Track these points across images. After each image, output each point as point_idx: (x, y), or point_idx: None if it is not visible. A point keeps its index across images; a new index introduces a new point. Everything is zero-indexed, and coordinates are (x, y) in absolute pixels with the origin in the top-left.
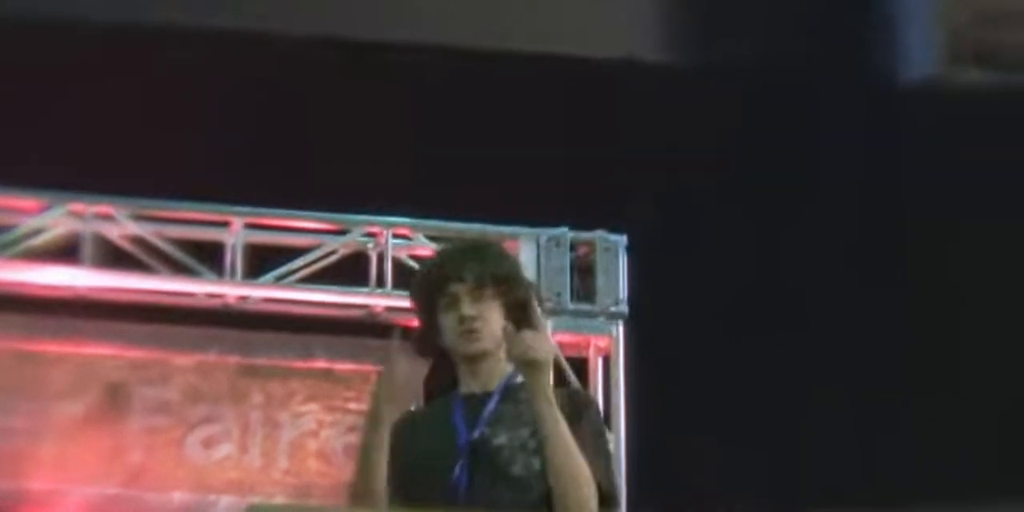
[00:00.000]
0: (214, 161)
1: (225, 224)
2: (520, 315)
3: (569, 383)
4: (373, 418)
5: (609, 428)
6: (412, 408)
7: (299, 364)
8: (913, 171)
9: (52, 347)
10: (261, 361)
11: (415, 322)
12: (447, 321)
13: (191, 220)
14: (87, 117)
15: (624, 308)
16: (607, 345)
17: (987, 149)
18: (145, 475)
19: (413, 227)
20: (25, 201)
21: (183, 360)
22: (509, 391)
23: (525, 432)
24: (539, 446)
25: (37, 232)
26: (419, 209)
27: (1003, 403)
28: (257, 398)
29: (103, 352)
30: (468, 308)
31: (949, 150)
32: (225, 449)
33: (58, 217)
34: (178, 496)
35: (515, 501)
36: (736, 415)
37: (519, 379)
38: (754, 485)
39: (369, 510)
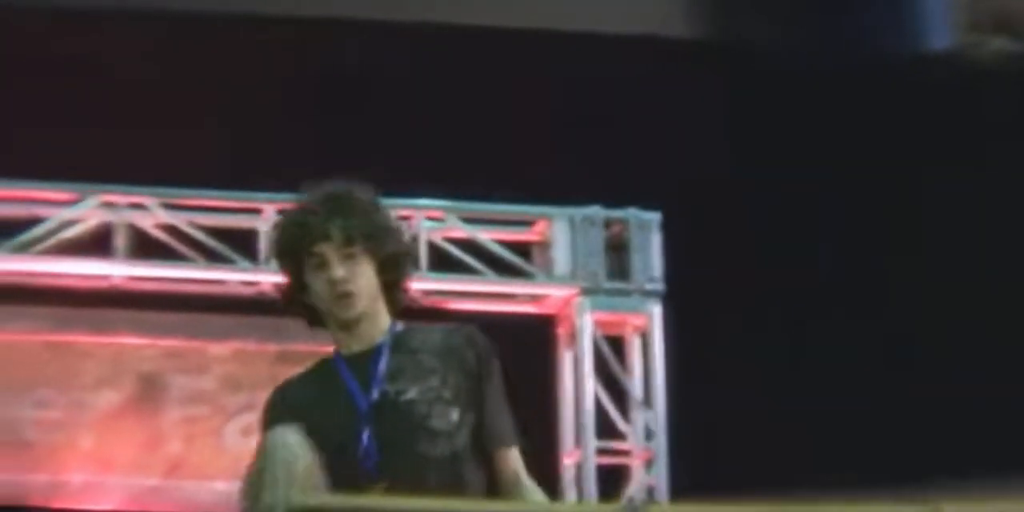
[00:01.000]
0: (233, 152)
1: (257, 211)
2: (394, 270)
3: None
4: None
5: (649, 406)
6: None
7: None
8: (935, 142)
9: (85, 338)
10: (297, 347)
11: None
12: (317, 284)
13: (224, 208)
14: (103, 109)
15: (659, 286)
16: (644, 323)
17: (1009, 119)
18: (184, 465)
19: (446, 209)
20: (56, 193)
21: (219, 349)
22: (398, 341)
23: (434, 381)
24: (455, 396)
25: (69, 224)
26: (453, 192)
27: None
28: None
29: (136, 342)
30: (338, 269)
31: (972, 120)
32: None
33: (90, 208)
34: (219, 485)
35: (439, 456)
36: (777, 390)
37: (400, 327)
38: (796, 460)
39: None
